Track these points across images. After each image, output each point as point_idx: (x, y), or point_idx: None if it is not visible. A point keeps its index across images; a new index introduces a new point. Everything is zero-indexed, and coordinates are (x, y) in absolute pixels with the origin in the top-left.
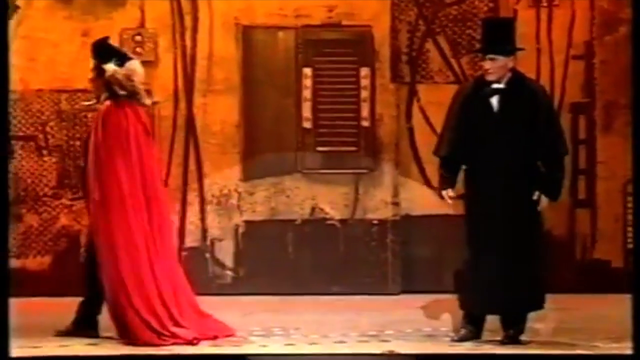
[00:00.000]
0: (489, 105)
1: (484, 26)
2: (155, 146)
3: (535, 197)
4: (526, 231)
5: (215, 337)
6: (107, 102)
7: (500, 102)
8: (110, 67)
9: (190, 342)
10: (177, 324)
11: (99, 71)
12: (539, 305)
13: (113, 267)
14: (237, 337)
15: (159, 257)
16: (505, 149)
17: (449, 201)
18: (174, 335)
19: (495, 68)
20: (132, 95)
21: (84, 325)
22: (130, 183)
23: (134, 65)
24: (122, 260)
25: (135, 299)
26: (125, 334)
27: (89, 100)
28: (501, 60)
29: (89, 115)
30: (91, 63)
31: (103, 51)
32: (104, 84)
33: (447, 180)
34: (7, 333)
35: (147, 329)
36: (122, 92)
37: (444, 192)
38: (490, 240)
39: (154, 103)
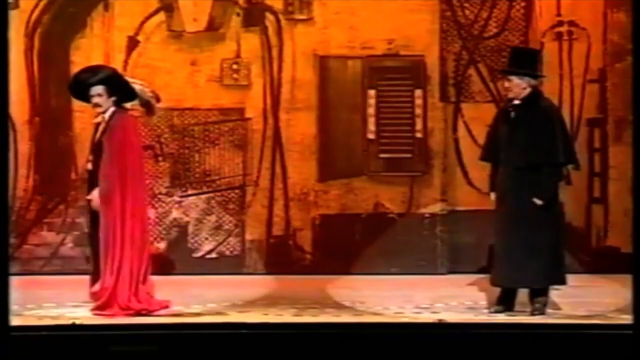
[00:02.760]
0: (509, 118)
1: (509, 52)
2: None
3: (533, 200)
4: (542, 221)
5: (157, 309)
6: (123, 114)
7: (516, 115)
8: (135, 85)
9: (139, 312)
10: (137, 299)
11: (110, 93)
12: (557, 281)
13: (124, 253)
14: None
15: (142, 243)
16: (518, 153)
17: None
18: (128, 308)
19: (511, 87)
20: (145, 103)
21: None
22: (135, 180)
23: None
24: (119, 245)
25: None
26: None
27: (96, 118)
28: (515, 81)
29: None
30: (100, 89)
31: (112, 77)
32: (113, 102)
33: (494, 183)
34: (7, 304)
35: (127, 300)
36: (149, 97)
37: (491, 194)
38: (508, 229)
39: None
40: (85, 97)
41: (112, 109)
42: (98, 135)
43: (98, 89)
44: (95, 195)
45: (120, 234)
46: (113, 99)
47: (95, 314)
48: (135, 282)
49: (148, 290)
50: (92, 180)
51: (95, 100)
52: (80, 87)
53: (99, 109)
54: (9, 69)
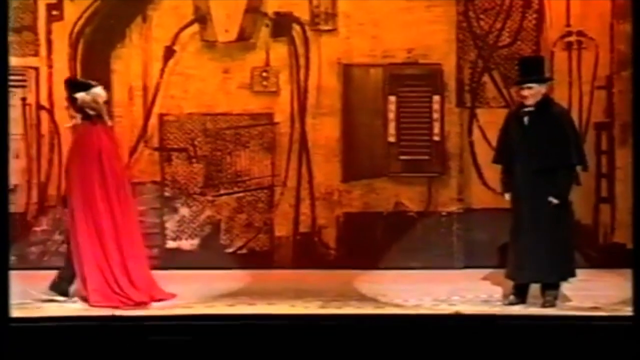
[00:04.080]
0: (522, 123)
1: (519, 64)
2: (122, 155)
3: (549, 199)
4: (555, 219)
5: (160, 300)
6: (83, 123)
7: (529, 120)
8: (80, 94)
9: (140, 304)
10: (135, 288)
11: (72, 100)
12: (568, 275)
13: (85, 247)
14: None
15: (123, 238)
16: (533, 157)
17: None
18: (129, 297)
19: (533, 94)
20: (99, 115)
21: (57, 289)
22: (100, 182)
23: (97, 90)
24: (92, 241)
25: (102, 269)
26: (94, 297)
27: (69, 124)
28: (535, 88)
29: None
30: (65, 95)
31: (73, 84)
32: (77, 109)
33: (505, 184)
34: (7, 296)
35: (111, 292)
36: (91, 112)
37: (506, 195)
38: (525, 228)
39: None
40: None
41: (80, 114)
42: (73, 136)
43: (66, 94)
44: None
45: (80, 231)
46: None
47: (95, 305)
48: (110, 275)
49: (146, 280)
50: (68, 178)
51: (67, 104)
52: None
53: (70, 112)
54: (9, 70)
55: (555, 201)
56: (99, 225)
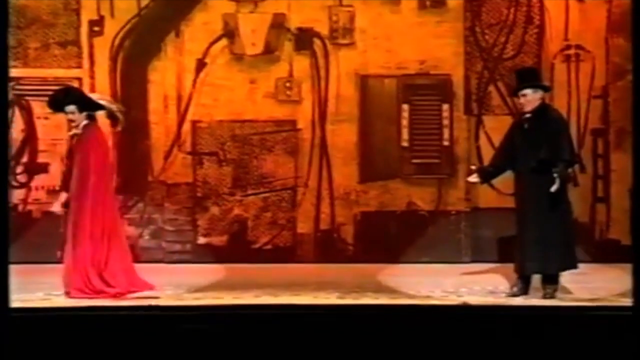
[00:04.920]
0: (523, 127)
1: (515, 76)
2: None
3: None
4: (557, 217)
5: (133, 291)
6: (92, 127)
7: (528, 125)
8: (102, 101)
9: (114, 296)
10: (106, 283)
11: (81, 109)
12: (571, 267)
13: (68, 246)
14: (154, 292)
15: (101, 237)
16: (531, 155)
17: (471, 180)
18: (101, 291)
19: (529, 100)
20: (111, 114)
21: None
22: (96, 183)
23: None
24: (83, 240)
25: (77, 264)
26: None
27: (72, 130)
28: (530, 95)
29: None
30: (72, 108)
31: (80, 96)
32: (85, 116)
33: (480, 172)
34: (7, 287)
35: (84, 285)
36: (116, 110)
37: (471, 176)
38: (531, 225)
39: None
40: (62, 111)
41: (85, 122)
42: (73, 142)
43: (71, 108)
44: (56, 202)
45: (75, 228)
46: (84, 114)
47: (74, 297)
48: (94, 269)
49: (117, 273)
50: (66, 181)
51: (69, 117)
52: (56, 105)
53: (73, 124)
54: (9, 70)
55: (554, 188)
56: (85, 225)
